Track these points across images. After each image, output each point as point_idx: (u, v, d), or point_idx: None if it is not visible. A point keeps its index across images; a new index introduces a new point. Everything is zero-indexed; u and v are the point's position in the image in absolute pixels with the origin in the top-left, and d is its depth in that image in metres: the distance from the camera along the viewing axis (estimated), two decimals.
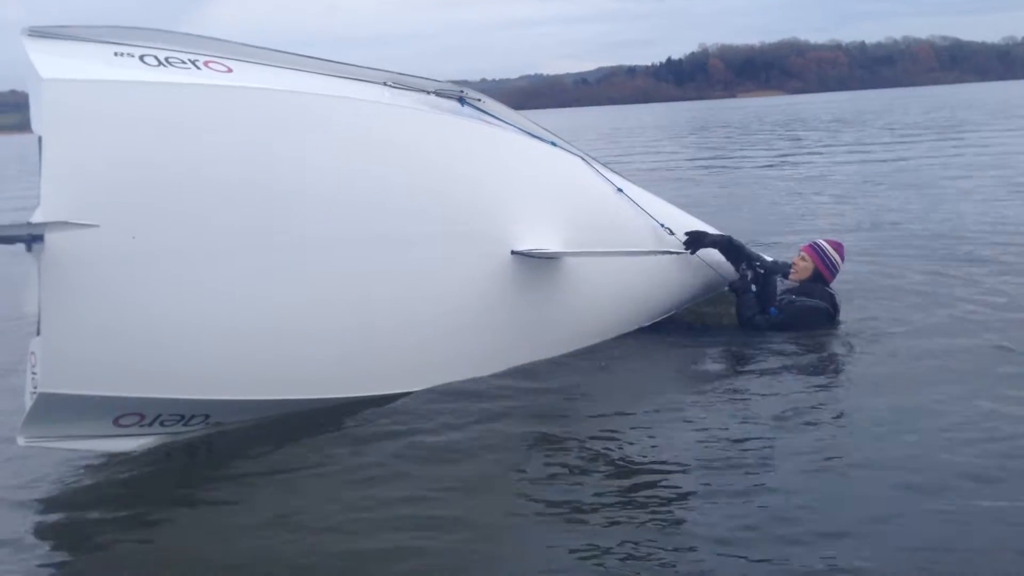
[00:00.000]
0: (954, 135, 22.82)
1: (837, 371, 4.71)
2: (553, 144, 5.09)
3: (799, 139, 26.31)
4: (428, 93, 4.80)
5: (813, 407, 4.09)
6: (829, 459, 3.52)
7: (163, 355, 3.77)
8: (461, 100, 4.90)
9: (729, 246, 5.47)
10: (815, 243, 5.55)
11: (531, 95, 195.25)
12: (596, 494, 3.38)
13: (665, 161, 20.81)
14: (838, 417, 4.00)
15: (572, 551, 2.95)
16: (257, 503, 3.51)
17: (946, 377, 4.35)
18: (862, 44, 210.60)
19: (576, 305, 4.92)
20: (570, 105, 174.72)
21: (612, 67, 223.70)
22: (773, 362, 4.78)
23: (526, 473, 3.63)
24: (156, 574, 3.06)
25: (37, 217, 3.54)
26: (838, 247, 5.52)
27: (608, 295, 5.13)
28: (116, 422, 3.86)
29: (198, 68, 4.06)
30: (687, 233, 5.37)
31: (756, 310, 5.31)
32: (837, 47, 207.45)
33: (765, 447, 3.68)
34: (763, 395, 4.28)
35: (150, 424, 3.95)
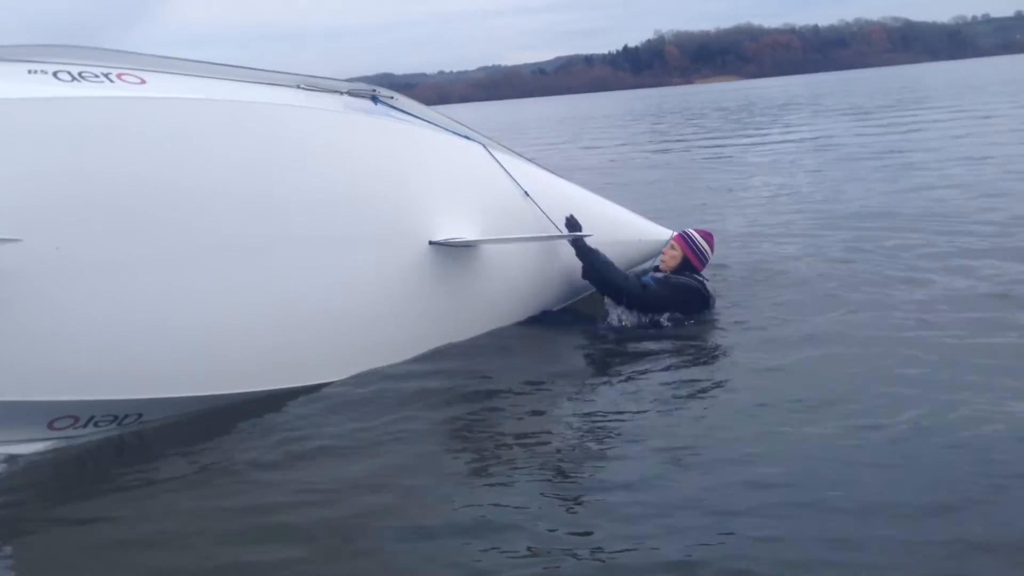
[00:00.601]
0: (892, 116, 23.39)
1: (726, 355, 4.81)
2: (466, 138, 5.30)
3: (744, 123, 26.81)
4: (341, 94, 4.99)
5: (696, 392, 4.25)
6: (696, 450, 3.58)
7: (94, 359, 3.93)
8: (374, 99, 5.10)
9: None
10: (684, 232, 5.59)
11: (489, 87, 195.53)
12: (499, 482, 3.50)
13: (608, 150, 21.14)
14: (711, 400, 4.13)
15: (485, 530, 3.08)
16: (150, 512, 3.50)
17: (831, 366, 4.45)
18: (815, 28, 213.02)
19: (492, 289, 5.16)
20: (528, 95, 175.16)
21: (569, 56, 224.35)
22: (668, 344, 4.98)
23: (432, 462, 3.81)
24: None
25: None
26: (708, 236, 5.58)
27: (520, 279, 5.37)
28: (50, 425, 4.01)
29: (111, 81, 4.22)
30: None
31: (625, 276, 5.31)
32: (791, 31, 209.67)
33: (645, 428, 3.85)
34: (654, 379, 4.45)
35: (84, 426, 4.10)
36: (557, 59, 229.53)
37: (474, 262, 5.05)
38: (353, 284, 4.60)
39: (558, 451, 3.77)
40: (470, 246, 4.98)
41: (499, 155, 5.36)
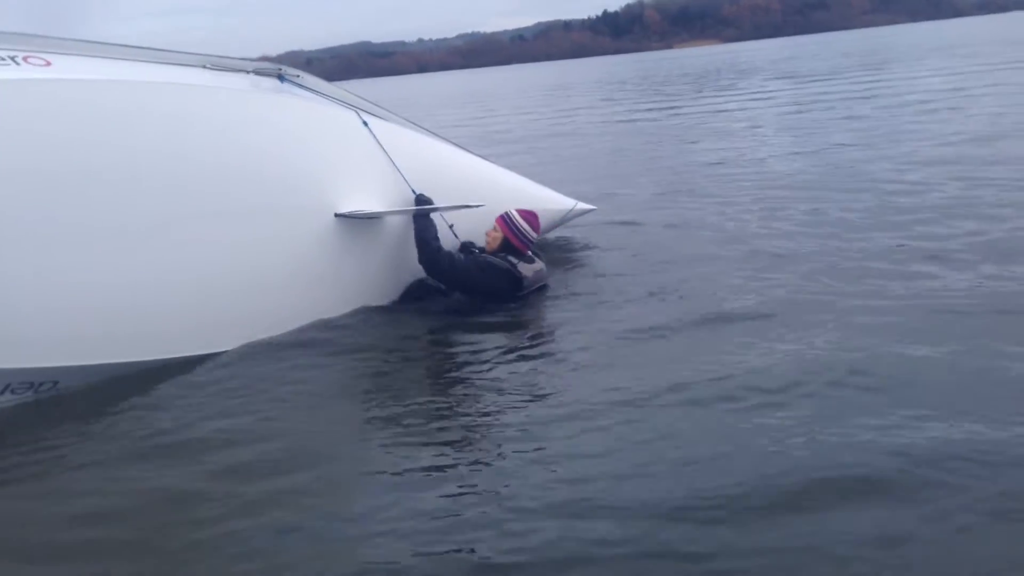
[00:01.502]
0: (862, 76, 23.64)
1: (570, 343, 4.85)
2: (369, 113, 5.52)
3: (702, 88, 27.03)
4: (247, 72, 5.21)
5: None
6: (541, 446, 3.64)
7: (7, 328, 4.16)
8: (280, 77, 5.33)
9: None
10: (506, 213, 5.57)
11: (468, 54, 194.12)
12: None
13: (572, 119, 21.33)
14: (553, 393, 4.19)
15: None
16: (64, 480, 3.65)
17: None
18: None
19: (394, 259, 5.41)
20: (508, 63, 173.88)
21: (549, 22, 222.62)
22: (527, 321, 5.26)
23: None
24: None
25: None
26: (529, 216, 5.58)
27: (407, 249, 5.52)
28: None
29: (17, 64, 4.42)
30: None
31: (439, 247, 5.31)
32: None
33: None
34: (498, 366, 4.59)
35: (0, 393, 4.34)
36: (537, 25, 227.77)
37: (377, 233, 5.30)
38: (256, 255, 4.84)
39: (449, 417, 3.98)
40: (374, 218, 5.22)
41: (398, 131, 5.60)
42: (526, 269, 5.45)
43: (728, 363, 4.18)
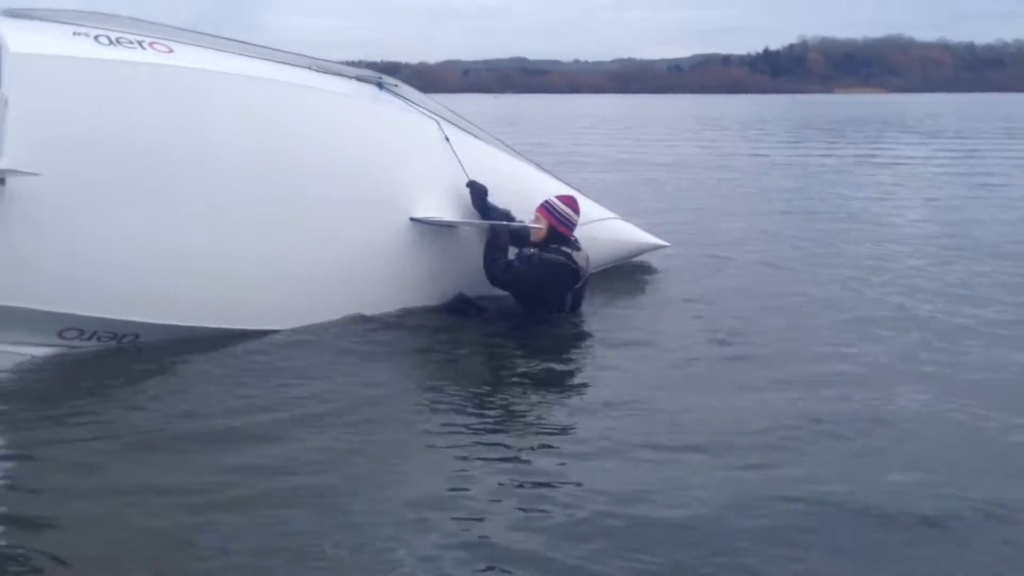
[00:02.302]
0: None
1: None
2: (454, 126, 5.83)
3: (882, 139, 26.28)
4: (349, 78, 5.61)
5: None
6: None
7: (102, 282, 4.66)
8: (379, 85, 5.72)
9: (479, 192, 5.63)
10: (546, 201, 5.64)
11: (622, 79, 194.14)
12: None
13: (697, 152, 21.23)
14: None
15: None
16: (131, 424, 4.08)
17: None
18: (971, 45, 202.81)
19: (458, 265, 5.71)
20: (660, 91, 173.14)
21: (707, 55, 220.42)
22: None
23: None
24: None
25: (0, 165, 4.43)
26: (568, 200, 5.68)
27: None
28: (60, 334, 4.77)
29: (143, 48, 4.95)
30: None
31: (494, 258, 5.43)
32: (944, 46, 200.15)
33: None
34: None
35: (88, 338, 4.86)
36: (695, 56, 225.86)
37: (445, 239, 5.60)
38: (333, 245, 5.22)
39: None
40: (449, 225, 5.54)
41: (478, 145, 5.88)
42: (579, 258, 5.51)
43: (781, 417, 4.08)
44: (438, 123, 5.72)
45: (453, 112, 5.91)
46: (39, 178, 4.34)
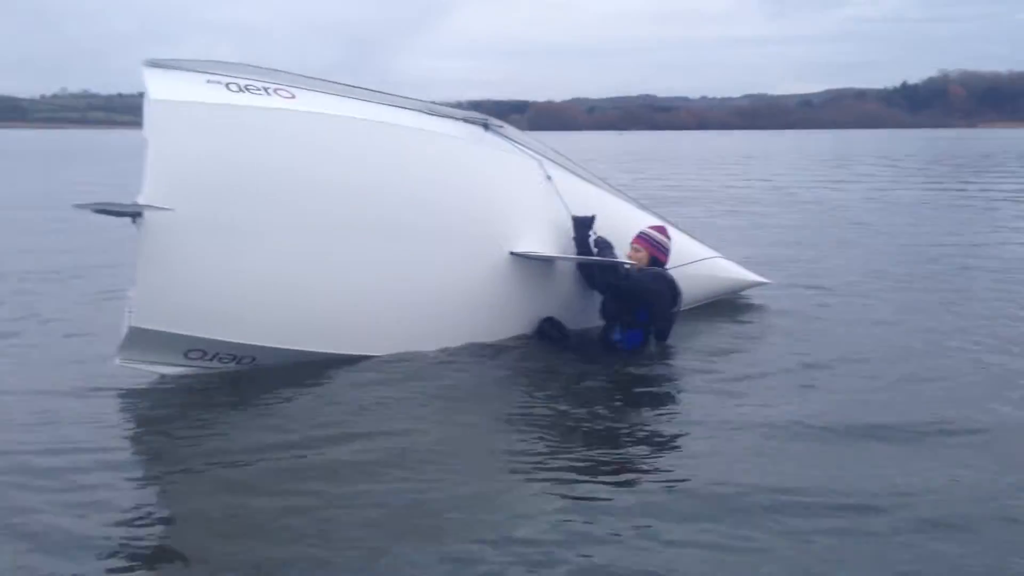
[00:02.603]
0: None
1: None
2: (556, 164, 6.04)
3: None
4: (456, 120, 5.91)
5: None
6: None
7: (225, 309, 5.07)
8: (486, 126, 6.00)
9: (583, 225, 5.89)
10: (642, 233, 5.94)
11: (749, 115, 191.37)
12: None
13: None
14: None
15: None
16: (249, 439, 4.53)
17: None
18: None
19: (558, 298, 5.90)
20: (790, 127, 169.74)
21: (840, 89, 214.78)
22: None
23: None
24: None
25: (140, 199, 4.90)
26: (661, 229, 6.03)
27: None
28: (186, 355, 5.20)
29: (268, 94, 5.38)
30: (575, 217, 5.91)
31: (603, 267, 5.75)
32: None
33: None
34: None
35: (210, 360, 5.27)
36: (827, 91, 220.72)
37: (545, 273, 5.81)
38: (440, 275, 5.50)
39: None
40: (546, 260, 5.74)
41: (579, 184, 6.08)
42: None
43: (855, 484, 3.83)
44: (540, 162, 5.95)
45: (556, 152, 6.13)
46: (172, 212, 4.78)
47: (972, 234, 11.90)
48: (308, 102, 5.44)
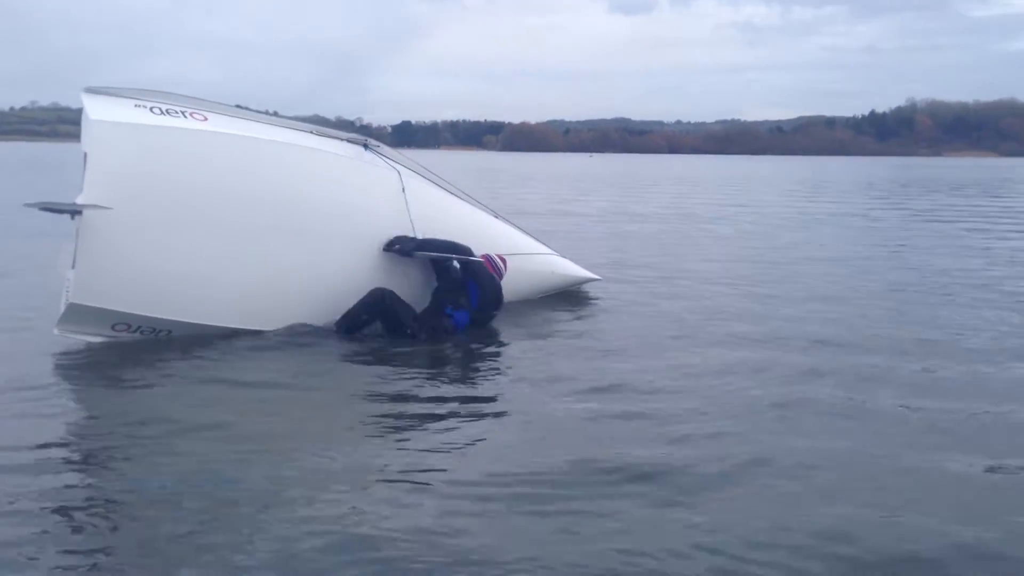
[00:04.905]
0: None
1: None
2: (421, 177, 7.42)
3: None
4: (341, 140, 7.27)
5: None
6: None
7: (147, 290, 6.36)
8: (365, 145, 7.36)
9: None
10: (487, 255, 7.47)
11: (722, 140, 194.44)
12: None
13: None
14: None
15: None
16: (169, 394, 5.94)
17: None
18: None
19: (412, 287, 7.29)
20: (760, 152, 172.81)
21: (811, 116, 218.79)
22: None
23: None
24: None
25: (79, 199, 6.17)
26: (503, 260, 7.62)
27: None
28: (113, 327, 6.48)
29: (185, 117, 6.70)
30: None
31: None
32: None
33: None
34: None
35: (133, 332, 6.55)
36: (799, 118, 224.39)
37: (411, 267, 7.18)
38: (325, 264, 6.85)
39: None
40: (407, 255, 7.11)
41: (440, 196, 7.49)
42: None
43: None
44: (400, 175, 7.32)
45: (426, 169, 7.53)
46: (107, 211, 6.07)
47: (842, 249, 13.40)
48: (217, 124, 6.77)
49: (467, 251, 7.20)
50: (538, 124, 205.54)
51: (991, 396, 5.55)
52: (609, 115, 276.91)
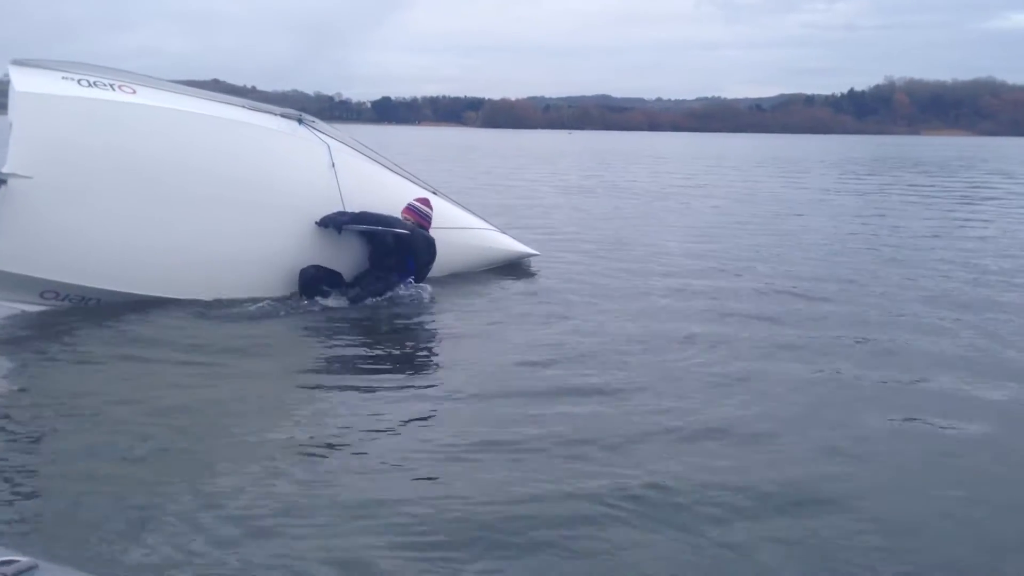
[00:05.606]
0: None
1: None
2: (352, 149, 7.50)
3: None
4: (275, 115, 7.32)
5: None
6: None
7: (76, 260, 6.41)
8: (300, 120, 7.41)
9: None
10: (409, 204, 7.66)
11: (702, 118, 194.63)
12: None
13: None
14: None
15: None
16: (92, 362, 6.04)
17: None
18: None
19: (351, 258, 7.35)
20: (740, 130, 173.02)
21: (790, 94, 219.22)
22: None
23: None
24: None
25: (3, 169, 6.22)
26: (424, 201, 7.78)
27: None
28: (41, 295, 6.54)
29: (114, 90, 6.73)
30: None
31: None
32: None
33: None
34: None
35: (61, 300, 6.61)
36: (779, 96, 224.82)
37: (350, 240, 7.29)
38: (254, 234, 6.91)
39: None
40: (340, 228, 7.19)
41: (371, 168, 7.57)
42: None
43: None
44: (329, 149, 7.40)
45: (359, 143, 7.60)
46: (31, 180, 6.12)
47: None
48: (146, 97, 6.81)
49: (400, 223, 7.31)
50: (519, 100, 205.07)
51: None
52: (590, 92, 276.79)
